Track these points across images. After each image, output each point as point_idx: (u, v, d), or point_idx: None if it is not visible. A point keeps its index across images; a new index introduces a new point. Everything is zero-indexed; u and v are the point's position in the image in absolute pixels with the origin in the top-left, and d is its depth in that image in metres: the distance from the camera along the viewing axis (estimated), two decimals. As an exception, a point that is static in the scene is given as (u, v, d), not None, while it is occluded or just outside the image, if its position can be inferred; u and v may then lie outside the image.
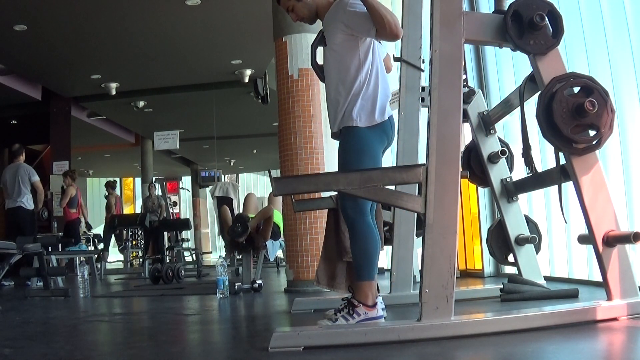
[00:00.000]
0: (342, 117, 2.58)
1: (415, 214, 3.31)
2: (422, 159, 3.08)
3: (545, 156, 4.06)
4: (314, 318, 2.67)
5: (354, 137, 2.55)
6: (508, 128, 4.67)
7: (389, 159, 6.47)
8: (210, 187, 8.57)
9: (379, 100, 2.57)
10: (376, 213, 2.74)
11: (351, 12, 2.50)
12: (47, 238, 6.38)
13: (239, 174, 20.00)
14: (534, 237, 3.67)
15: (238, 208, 6.22)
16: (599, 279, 2.54)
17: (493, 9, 2.85)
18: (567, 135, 2.37)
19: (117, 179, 17.21)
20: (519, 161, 3.61)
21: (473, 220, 5.40)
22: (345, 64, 2.57)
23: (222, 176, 17.10)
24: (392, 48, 5.77)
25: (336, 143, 2.71)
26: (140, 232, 11.00)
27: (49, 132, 10.19)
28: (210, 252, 17.04)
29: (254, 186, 20.64)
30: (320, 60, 2.77)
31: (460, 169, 2.27)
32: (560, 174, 2.82)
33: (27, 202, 6.97)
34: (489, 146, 3.79)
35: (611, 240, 2.38)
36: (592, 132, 2.41)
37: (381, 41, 2.65)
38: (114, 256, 12.41)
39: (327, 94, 2.68)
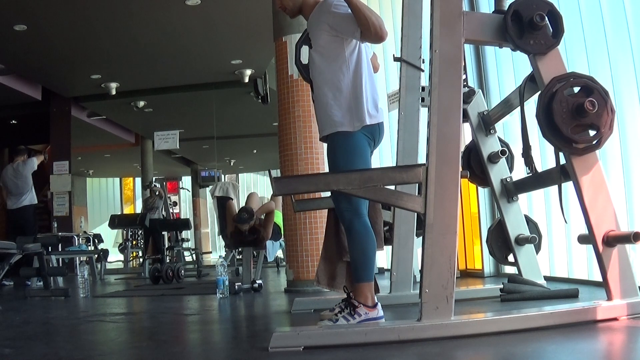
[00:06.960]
0: (330, 121, 2.54)
1: (415, 214, 3.32)
2: (422, 159, 3.08)
3: (545, 156, 4.05)
4: (314, 318, 2.67)
5: (341, 140, 2.52)
6: (508, 128, 4.66)
7: (389, 159, 6.49)
8: (210, 187, 8.56)
9: (367, 102, 2.53)
10: (370, 212, 2.74)
11: (335, 13, 2.48)
12: (47, 238, 6.38)
13: (239, 174, 19.99)
14: (534, 237, 3.67)
15: (239, 207, 6.23)
16: (599, 279, 2.54)
17: (493, 9, 2.86)
18: (567, 135, 2.37)
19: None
20: (519, 161, 3.61)
21: (473, 220, 5.40)
22: (331, 65, 2.55)
23: (222, 176, 17.11)
24: (392, 48, 5.78)
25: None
26: (140, 232, 10.96)
27: (49, 132, 10.17)
28: (210, 252, 17.04)
29: (254, 186, 20.63)
30: (304, 59, 2.75)
31: (460, 169, 2.28)
32: (560, 174, 2.82)
33: (31, 199, 6.97)
34: (489, 146, 3.79)
35: (611, 240, 2.38)
36: (592, 132, 2.41)
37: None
38: (114, 256, 12.40)
39: (314, 97, 2.64)
